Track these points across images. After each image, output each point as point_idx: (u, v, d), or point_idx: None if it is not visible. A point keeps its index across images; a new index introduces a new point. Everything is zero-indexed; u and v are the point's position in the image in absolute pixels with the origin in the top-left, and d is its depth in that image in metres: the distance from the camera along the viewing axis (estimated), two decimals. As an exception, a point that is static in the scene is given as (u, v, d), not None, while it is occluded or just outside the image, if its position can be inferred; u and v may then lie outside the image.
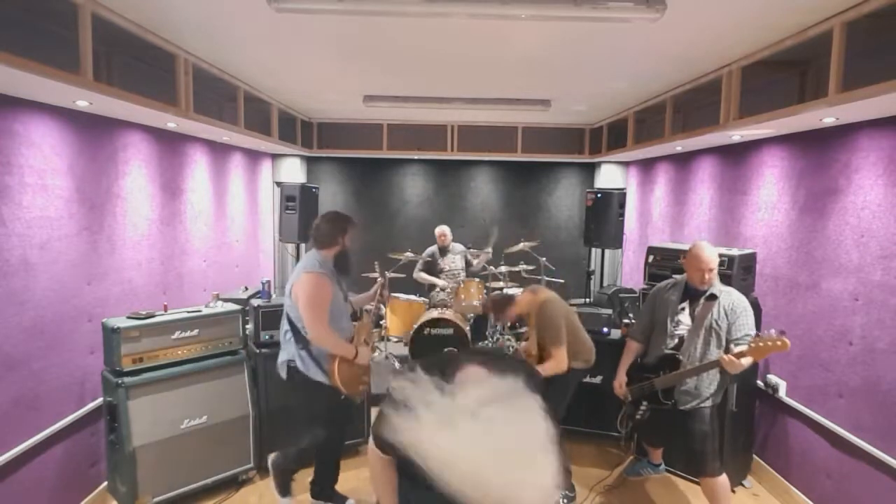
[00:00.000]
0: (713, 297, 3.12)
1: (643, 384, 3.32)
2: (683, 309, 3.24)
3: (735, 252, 3.65)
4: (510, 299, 3.70)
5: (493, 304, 3.81)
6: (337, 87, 4.65)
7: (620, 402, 3.52)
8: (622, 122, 5.60)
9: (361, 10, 2.45)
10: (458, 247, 6.31)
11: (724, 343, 3.06)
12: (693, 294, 3.21)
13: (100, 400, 3.31)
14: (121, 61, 3.19)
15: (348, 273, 3.34)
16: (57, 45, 2.54)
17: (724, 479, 3.13)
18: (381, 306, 3.49)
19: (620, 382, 3.43)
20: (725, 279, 3.40)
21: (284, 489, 3.21)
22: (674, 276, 3.53)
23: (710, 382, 3.11)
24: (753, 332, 3.04)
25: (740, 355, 2.93)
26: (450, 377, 1.34)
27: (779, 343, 2.78)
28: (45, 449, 2.96)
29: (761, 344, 2.82)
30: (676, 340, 3.24)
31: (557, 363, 3.38)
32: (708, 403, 3.13)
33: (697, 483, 3.71)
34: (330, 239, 3.22)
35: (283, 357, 3.21)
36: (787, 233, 3.72)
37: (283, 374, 3.21)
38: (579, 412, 4.26)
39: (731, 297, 3.11)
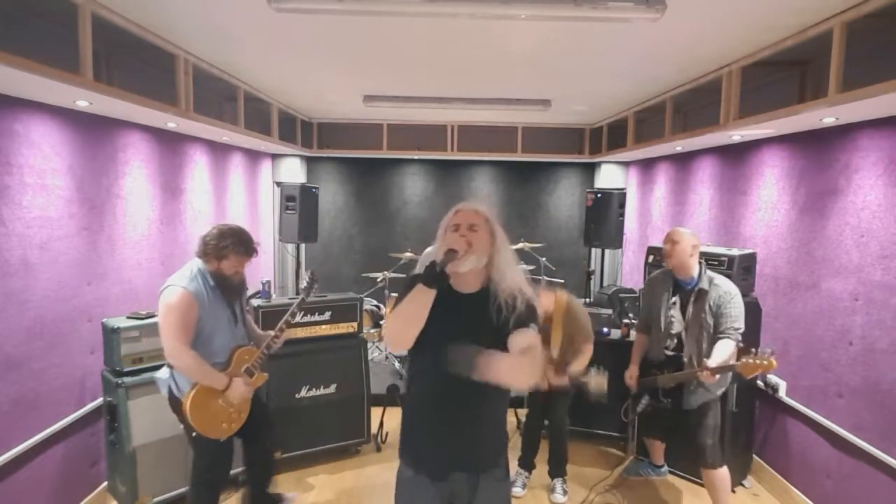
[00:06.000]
0: (703, 293, 3.14)
1: (647, 379, 3.36)
2: (675, 304, 3.26)
3: (735, 252, 3.64)
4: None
5: None
6: (337, 87, 4.65)
7: (626, 392, 3.52)
8: (622, 122, 5.60)
9: (361, 10, 2.45)
10: None
11: (713, 339, 3.12)
12: (682, 288, 3.23)
13: (100, 400, 3.31)
14: (121, 61, 3.19)
15: (234, 295, 2.88)
16: (57, 45, 2.54)
17: (724, 471, 3.18)
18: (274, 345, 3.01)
19: (632, 375, 3.44)
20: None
21: None
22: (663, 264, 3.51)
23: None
24: (740, 323, 3.09)
25: (728, 368, 2.98)
26: None
27: (765, 363, 2.84)
28: (45, 449, 2.96)
29: (750, 361, 2.87)
30: (675, 341, 3.25)
31: (587, 357, 3.36)
32: (711, 398, 3.17)
33: (697, 483, 3.72)
34: (205, 254, 2.77)
35: (163, 374, 2.81)
36: (787, 233, 3.72)
37: (164, 392, 2.82)
38: (579, 412, 4.26)
39: (718, 291, 3.13)
